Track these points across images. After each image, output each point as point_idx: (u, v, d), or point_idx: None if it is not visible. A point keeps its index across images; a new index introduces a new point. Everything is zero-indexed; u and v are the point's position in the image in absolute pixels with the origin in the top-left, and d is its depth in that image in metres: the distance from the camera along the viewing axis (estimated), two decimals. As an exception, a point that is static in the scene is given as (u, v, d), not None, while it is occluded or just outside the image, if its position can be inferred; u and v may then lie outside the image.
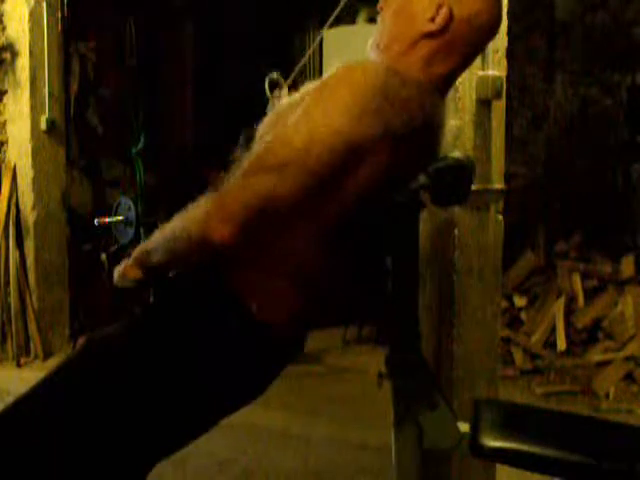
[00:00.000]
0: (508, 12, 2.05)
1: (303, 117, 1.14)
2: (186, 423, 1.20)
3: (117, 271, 1.29)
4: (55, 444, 1.11)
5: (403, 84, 1.18)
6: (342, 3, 2.14)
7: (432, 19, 1.24)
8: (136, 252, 1.27)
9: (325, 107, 1.14)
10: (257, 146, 1.21)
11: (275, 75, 1.63)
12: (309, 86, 1.26)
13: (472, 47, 1.29)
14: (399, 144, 1.16)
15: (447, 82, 1.30)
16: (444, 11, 1.23)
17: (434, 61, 1.25)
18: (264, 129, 1.31)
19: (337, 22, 3.84)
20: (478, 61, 1.98)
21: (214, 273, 1.21)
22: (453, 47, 1.26)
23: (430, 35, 1.24)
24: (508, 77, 2.06)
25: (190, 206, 1.18)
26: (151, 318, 1.22)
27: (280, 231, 1.16)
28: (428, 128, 1.22)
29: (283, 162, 1.11)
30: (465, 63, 1.31)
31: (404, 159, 1.19)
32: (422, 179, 1.22)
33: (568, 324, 3.81)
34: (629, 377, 3.46)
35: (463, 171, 1.35)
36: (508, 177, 2.16)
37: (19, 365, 3.63)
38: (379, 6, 1.32)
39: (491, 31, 1.30)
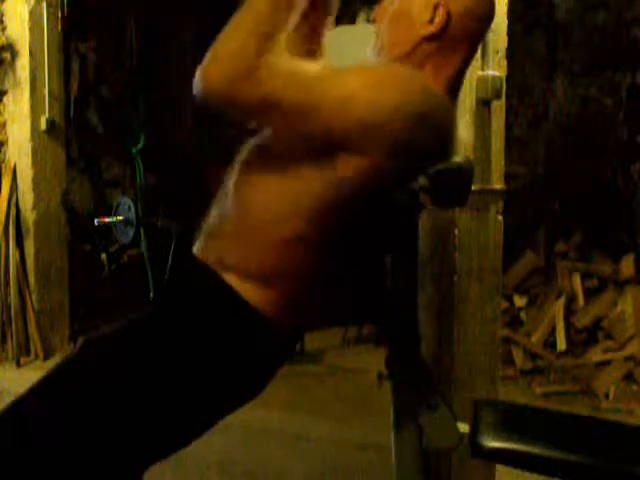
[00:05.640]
0: (508, 12, 2.05)
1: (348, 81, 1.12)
2: (184, 422, 1.20)
3: None
4: (52, 442, 1.11)
5: (442, 109, 1.18)
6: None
7: (431, 21, 1.24)
8: None
9: (374, 84, 1.12)
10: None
11: None
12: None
13: (473, 40, 1.29)
14: (421, 157, 1.16)
15: (457, 82, 1.29)
16: (441, 11, 1.22)
17: (440, 62, 1.25)
18: None
19: (337, 22, 3.85)
20: (478, 61, 1.99)
21: (213, 271, 1.21)
22: (455, 44, 1.25)
23: (432, 37, 1.24)
24: (508, 77, 2.06)
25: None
26: (149, 318, 1.22)
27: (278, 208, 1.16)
28: (447, 138, 1.23)
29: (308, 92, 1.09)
30: (469, 58, 1.30)
31: (420, 166, 1.19)
32: (422, 181, 1.22)
33: (568, 324, 3.81)
34: (629, 377, 3.46)
35: (462, 174, 1.35)
36: (508, 177, 2.16)
37: (19, 365, 3.62)
38: (373, 18, 1.32)
39: (489, 20, 1.30)
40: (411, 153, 1.14)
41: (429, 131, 1.14)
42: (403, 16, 1.26)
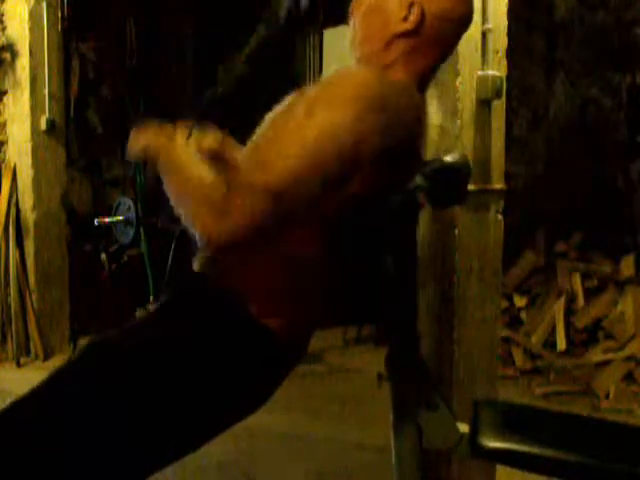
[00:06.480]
0: (508, 12, 2.05)
1: (301, 124, 1.13)
2: (190, 431, 1.20)
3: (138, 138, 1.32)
4: (54, 446, 1.10)
5: (398, 93, 1.19)
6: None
7: (405, 18, 1.25)
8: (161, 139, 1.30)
9: (327, 114, 1.12)
10: (256, 142, 1.22)
11: None
12: (305, 90, 1.25)
13: (447, 42, 1.31)
14: (392, 153, 1.17)
15: (427, 78, 1.31)
16: (416, 10, 1.24)
17: (412, 59, 1.26)
18: (264, 124, 1.30)
19: (337, 22, 3.85)
20: (478, 61, 1.99)
21: (215, 280, 1.21)
22: (429, 43, 1.27)
23: (405, 34, 1.25)
24: (508, 77, 2.06)
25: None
26: (154, 324, 1.22)
27: (278, 234, 1.16)
28: (417, 133, 1.23)
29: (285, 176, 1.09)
30: (442, 58, 1.32)
31: (395, 165, 1.20)
32: (418, 180, 1.22)
33: (568, 324, 3.81)
34: (629, 377, 3.46)
35: (459, 172, 1.35)
36: (508, 177, 2.16)
37: (19, 365, 3.63)
38: (350, 11, 1.32)
39: (464, 24, 1.31)
40: (391, 150, 1.15)
41: (394, 119, 1.16)
42: (378, 12, 1.28)
